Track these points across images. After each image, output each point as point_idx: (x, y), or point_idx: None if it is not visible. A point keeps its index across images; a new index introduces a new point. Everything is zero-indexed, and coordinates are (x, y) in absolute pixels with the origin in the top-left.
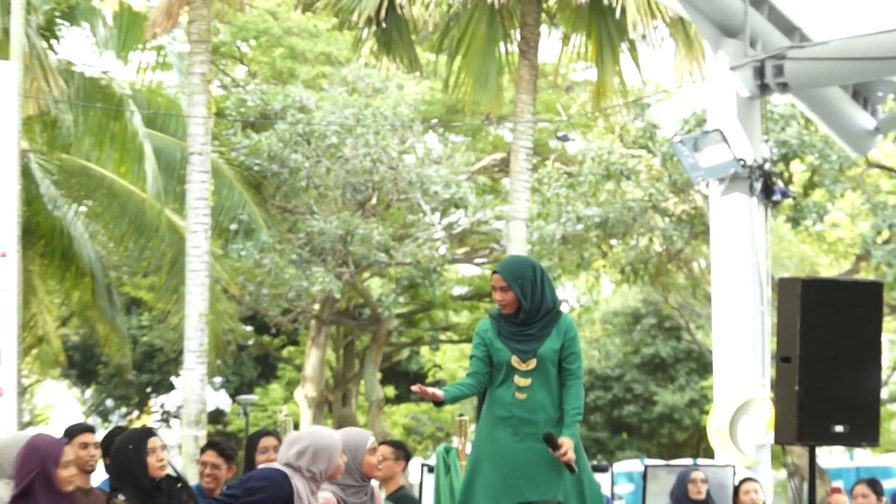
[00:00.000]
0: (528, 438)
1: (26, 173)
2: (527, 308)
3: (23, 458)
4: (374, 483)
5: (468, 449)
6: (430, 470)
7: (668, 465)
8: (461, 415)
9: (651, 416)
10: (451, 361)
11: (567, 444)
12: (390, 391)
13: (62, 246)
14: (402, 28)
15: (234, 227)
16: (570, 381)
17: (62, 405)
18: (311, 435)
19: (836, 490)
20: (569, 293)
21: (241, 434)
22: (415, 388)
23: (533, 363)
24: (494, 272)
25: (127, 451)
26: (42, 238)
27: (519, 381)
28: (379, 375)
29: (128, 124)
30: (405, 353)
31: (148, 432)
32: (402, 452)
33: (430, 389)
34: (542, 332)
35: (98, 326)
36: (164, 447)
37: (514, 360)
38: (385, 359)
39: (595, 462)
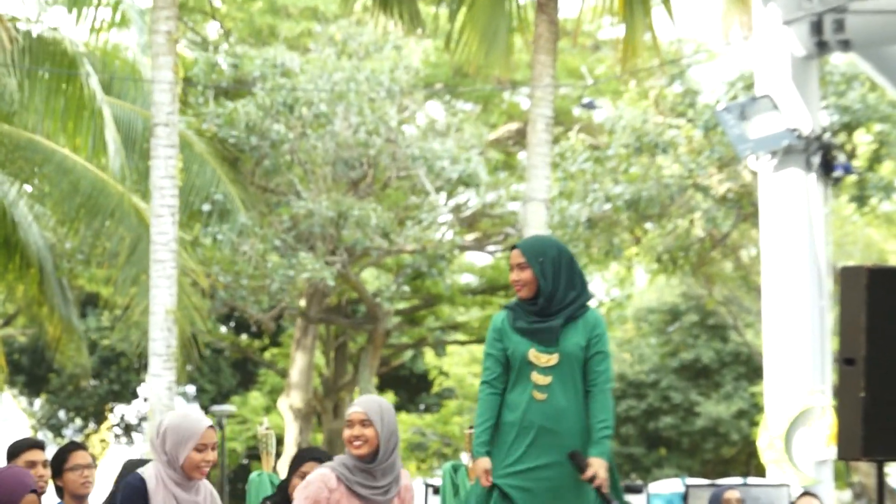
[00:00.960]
0: (549, 451)
1: None
2: (546, 291)
3: None
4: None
5: None
6: (436, 491)
7: (713, 485)
8: (471, 427)
9: (693, 429)
10: (460, 366)
11: (597, 466)
12: (389, 399)
13: (3, 232)
14: None
15: (206, 208)
16: (598, 387)
17: (6, 417)
18: (171, 415)
19: None
20: (596, 286)
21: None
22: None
23: (554, 359)
24: (514, 247)
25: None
26: None
27: (537, 378)
28: (375, 381)
29: (83, 87)
30: (408, 357)
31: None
32: None
33: (481, 469)
34: (565, 323)
35: (48, 326)
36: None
37: (532, 354)
38: (383, 363)
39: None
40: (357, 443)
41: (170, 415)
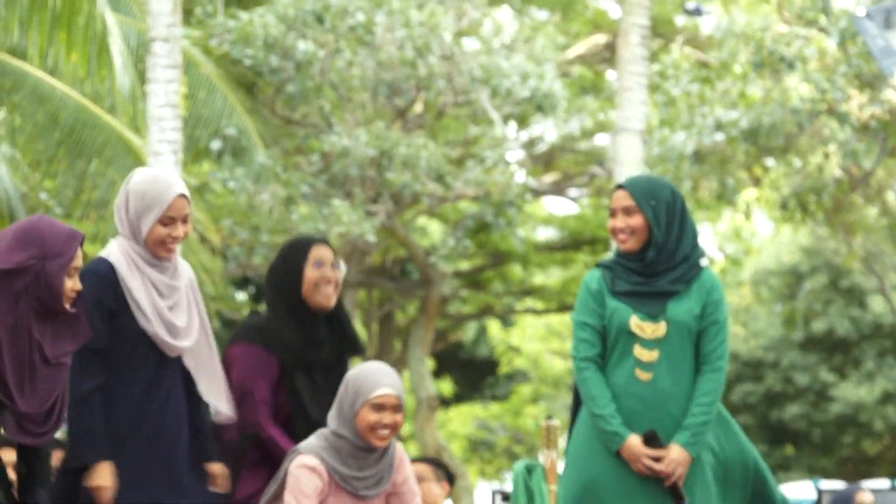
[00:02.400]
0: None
1: None
2: (659, 241)
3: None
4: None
5: (561, 467)
6: (506, 498)
7: (851, 490)
8: (549, 417)
9: (826, 419)
10: (535, 341)
11: (675, 457)
12: (446, 386)
13: None
14: None
15: (216, 145)
16: (709, 365)
17: None
18: (138, 174)
19: None
20: (705, 238)
21: None
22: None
23: (662, 329)
24: (618, 187)
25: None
26: None
27: (641, 353)
28: (430, 364)
29: None
30: (470, 330)
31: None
32: (443, 472)
33: (636, 453)
34: (676, 286)
35: None
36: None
37: (635, 323)
38: (438, 337)
39: None
40: (386, 432)
41: (137, 174)
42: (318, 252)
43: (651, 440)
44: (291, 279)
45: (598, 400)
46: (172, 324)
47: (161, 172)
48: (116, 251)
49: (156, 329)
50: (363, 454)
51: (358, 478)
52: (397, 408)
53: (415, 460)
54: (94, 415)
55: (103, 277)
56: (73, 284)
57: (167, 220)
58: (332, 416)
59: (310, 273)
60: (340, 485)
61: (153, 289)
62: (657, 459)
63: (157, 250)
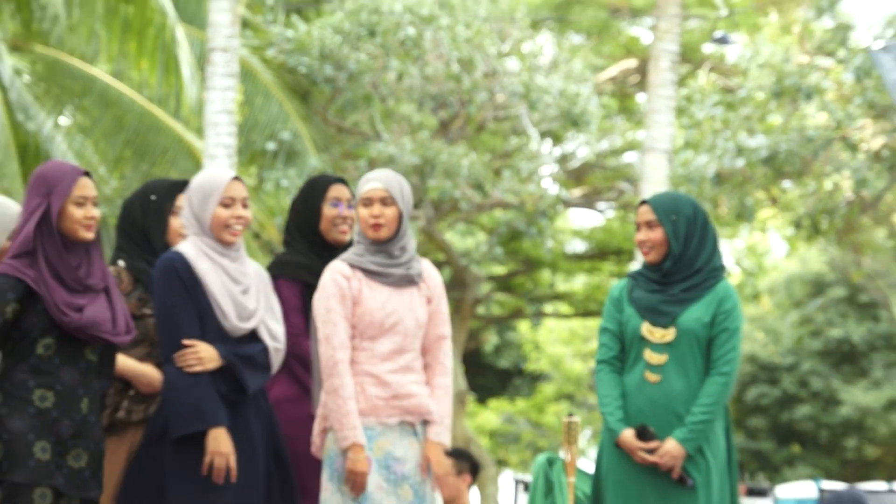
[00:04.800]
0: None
1: None
2: (676, 253)
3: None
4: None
5: (580, 461)
6: (527, 488)
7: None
8: (570, 414)
9: (833, 422)
10: (559, 344)
11: (669, 451)
12: (475, 383)
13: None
14: None
15: (271, 147)
16: (715, 370)
17: None
18: (196, 177)
19: None
20: (725, 253)
21: None
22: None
23: (670, 334)
24: (643, 203)
25: (146, 204)
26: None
27: (651, 356)
28: (461, 367)
29: (146, 2)
30: (491, 341)
31: (182, 185)
32: (467, 464)
33: (630, 445)
34: (688, 294)
35: None
36: None
37: (645, 329)
38: (471, 336)
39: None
40: (377, 223)
41: (195, 177)
42: (336, 191)
43: (643, 433)
44: (310, 216)
45: (605, 399)
46: (244, 306)
47: (216, 168)
48: (187, 244)
49: (227, 312)
50: (377, 248)
51: (386, 264)
52: (386, 200)
53: None
54: (208, 385)
55: (171, 265)
56: (84, 213)
57: (228, 202)
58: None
59: (327, 211)
60: (373, 273)
61: (224, 274)
62: (652, 451)
63: (222, 235)
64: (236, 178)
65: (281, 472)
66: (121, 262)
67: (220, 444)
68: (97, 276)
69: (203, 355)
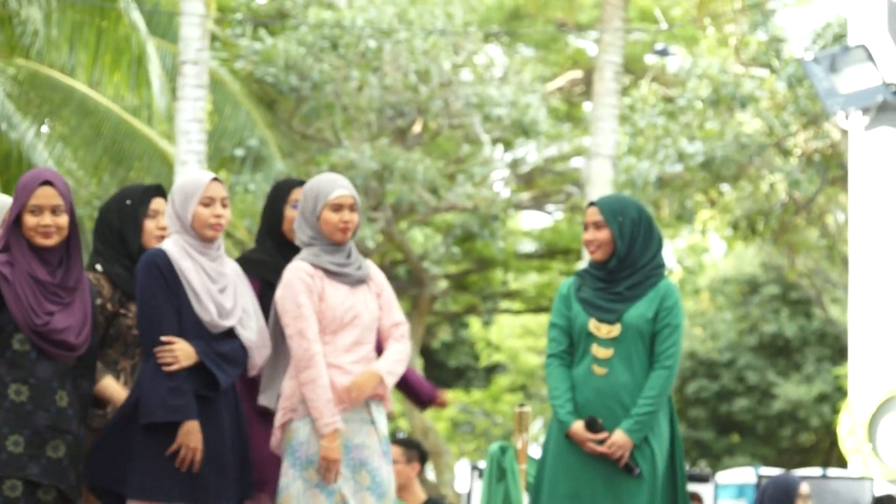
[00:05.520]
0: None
1: None
2: (621, 253)
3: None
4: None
5: (531, 449)
6: (482, 474)
7: (787, 476)
8: (521, 405)
9: (769, 413)
10: (513, 338)
11: (616, 441)
12: (432, 376)
13: (20, 176)
14: None
15: (239, 153)
16: (658, 363)
17: None
18: (178, 179)
19: None
20: (666, 254)
21: None
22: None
23: (616, 330)
24: (591, 204)
25: (122, 208)
26: None
27: (597, 351)
28: (419, 362)
29: (120, 18)
30: (443, 337)
31: (155, 190)
32: (416, 453)
33: (579, 437)
34: (632, 292)
35: None
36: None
37: (592, 325)
38: (428, 332)
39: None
40: (346, 227)
41: (178, 179)
42: (297, 194)
43: (591, 424)
44: (274, 218)
45: (554, 391)
46: (222, 305)
47: (195, 170)
48: (169, 242)
49: (207, 308)
50: (335, 248)
51: (342, 264)
52: (353, 207)
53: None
54: (184, 379)
55: (152, 262)
56: (38, 220)
57: (207, 201)
58: (298, 230)
59: (288, 212)
60: (332, 273)
61: (203, 272)
62: (601, 442)
63: (204, 232)
64: (216, 179)
65: (243, 461)
66: (98, 267)
67: (191, 439)
68: (72, 280)
69: (178, 354)
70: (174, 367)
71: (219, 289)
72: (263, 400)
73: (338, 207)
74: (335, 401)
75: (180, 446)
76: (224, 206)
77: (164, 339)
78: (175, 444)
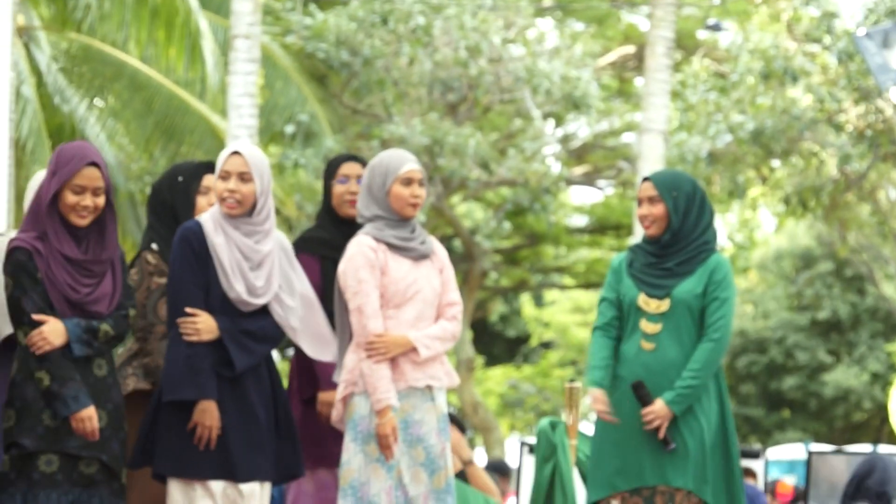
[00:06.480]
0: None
1: (27, 57)
2: (675, 227)
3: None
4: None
5: (582, 425)
6: (531, 450)
7: (839, 452)
8: (572, 380)
9: (821, 391)
10: (563, 314)
11: (656, 410)
12: (479, 358)
13: None
14: None
15: (290, 129)
16: (706, 336)
17: None
18: None
19: None
20: (718, 229)
21: None
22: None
23: (665, 305)
24: (646, 179)
25: (174, 184)
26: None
27: (646, 326)
28: (469, 334)
29: None
30: (497, 310)
31: (207, 166)
32: (455, 426)
33: (595, 402)
34: (682, 268)
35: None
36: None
37: (642, 299)
38: (479, 306)
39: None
40: (415, 202)
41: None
42: (345, 168)
43: (638, 388)
44: (326, 194)
45: (591, 359)
46: (252, 283)
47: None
48: (207, 214)
49: (234, 285)
50: (399, 223)
51: (407, 238)
52: (422, 182)
53: None
54: (202, 357)
55: (186, 236)
56: (79, 200)
57: (224, 175)
58: (362, 207)
59: (336, 188)
60: (396, 248)
61: (237, 249)
62: (644, 404)
63: (221, 207)
64: (235, 153)
65: (286, 438)
66: (154, 246)
67: (206, 417)
68: (104, 254)
69: (200, 326)
70: (194, 339)
71: (251, 266)
72: (336, 376)
73: (408, 182)
74: (398, 376)
75: (196, 426)
76: (243, 180)
77: (188, 310)
78: (191, 423)
